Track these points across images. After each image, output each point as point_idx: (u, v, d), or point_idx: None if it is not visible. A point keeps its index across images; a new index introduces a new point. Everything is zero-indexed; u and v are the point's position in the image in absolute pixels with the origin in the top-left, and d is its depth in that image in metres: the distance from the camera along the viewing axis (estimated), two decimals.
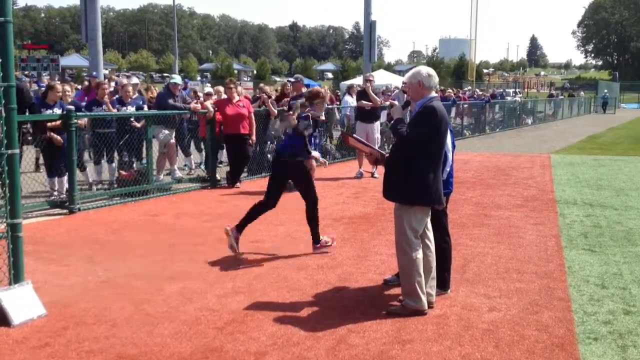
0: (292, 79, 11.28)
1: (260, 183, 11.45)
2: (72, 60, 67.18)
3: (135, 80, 12.71)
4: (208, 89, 15.98)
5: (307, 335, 4.43)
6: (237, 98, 11.09)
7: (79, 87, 18.34)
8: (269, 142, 13.03)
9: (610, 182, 12.10)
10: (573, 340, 4.39)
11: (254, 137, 11.35)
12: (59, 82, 11.55)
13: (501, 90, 53.67)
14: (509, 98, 38.09)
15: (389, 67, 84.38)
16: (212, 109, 11.08)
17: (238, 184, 11.13)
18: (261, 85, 16.00)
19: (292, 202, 9.72)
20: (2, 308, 4.58)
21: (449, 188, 5.28)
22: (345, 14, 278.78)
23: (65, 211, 8.64)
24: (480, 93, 32.62)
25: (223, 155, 13.71)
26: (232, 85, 11.20)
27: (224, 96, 11.66)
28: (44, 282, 5.53)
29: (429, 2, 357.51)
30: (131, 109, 10.67)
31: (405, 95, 5.76)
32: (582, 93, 55.35)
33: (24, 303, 4.70)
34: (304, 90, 11.02)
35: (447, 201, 5.40)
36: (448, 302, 5.14)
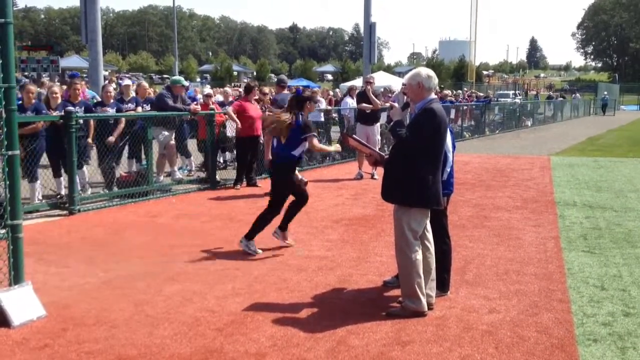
0: (275, 81, 11.46)
1: (260, 184, 11.46)
2: (72, 61, 67.12)
3: (127, 81, 12.66)
4: (207, 89, 16.02)
5: (306, 337, 4.44)
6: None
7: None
8: None
9: (610, 183, 12.11)
10: (572, 342, 4.40)
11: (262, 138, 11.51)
12: (31, 82, 11.29)
13: (499, 92, 53.78)
14: (508, 100, 38.16)
15: (388, 69, 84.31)
16: (239, 122, 10.94)
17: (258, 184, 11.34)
18: (260, 87, 16.01)
19: None
20: (2, 309, 4.58)
21: (449, 188, 5.28)
22: (345, 16, 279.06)
23: (65, 212, 8.65)
24: (481, 95, 32.73)
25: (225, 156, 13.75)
26: (254, 86, 11.44)
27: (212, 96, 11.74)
28: (44, 283, 5.53)
29: (428, 3, 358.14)
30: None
31: (405, 97, 5.77)
32: (578, 95, 55.35)
33: (24, 304, 4.70)
34: (285, 92, 11.04)
35: (448, 202, 5.40)
36: (448, 304, 5.14)
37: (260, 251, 6.70)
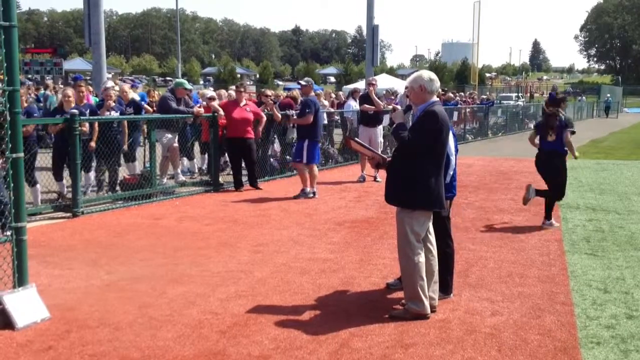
0: (302, 82, 11.11)
1: (264, 186, 11.48)
2: (75, 64, 67.28)
3: (110, 83, 12.58)
4: (210, 92, 16.03)
5: (309, 339, 4.44)
6: (244, 102, 11.12)
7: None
8: (271, 146, 13.05)
9: (613, 186, 12.10)
10: (575, 345, 4.40)
11: (259, 132, 11.47)
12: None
13: (502, 94, 53.73)
14: (511, 102, 38.10)
15: (391, 71, 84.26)
16: (221, 111, 11.06)
17: (260, 187, 11.23)
18: (262, 90, 16.04)
19: (295, 206, 9.75)
20: (6, 311, 4.60)
21: (452, 192, 5.29)
22: (347, 18, 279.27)
23: (68, 214, 8.67)
24: (484, 97, 32.77)
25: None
26: (242, 89, 11.31)
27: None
28: (48, 285, 5.55)
29: (431, 6, 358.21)
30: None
31: (407, 99, 5.78)
32: (583, 98, 55.27)
33: (27, 306, 4.71)
34: (312, 94, 10.92)
35: (450, 205, 5.41)
36: (451, 306, 5.14)
37: (557, 224, 8.31)
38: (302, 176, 10.57)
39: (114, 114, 10.33)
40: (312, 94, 10.89)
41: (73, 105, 9.47)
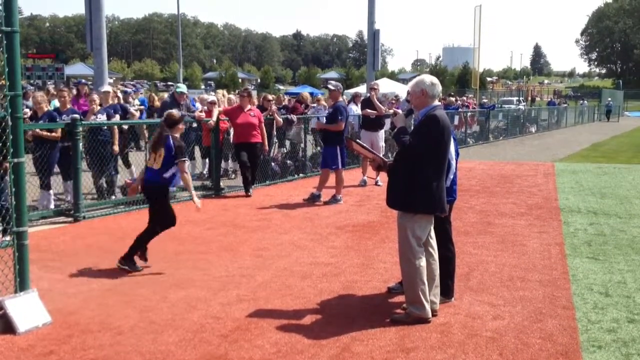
0: (331, 87, 10.92)
1: (265, 191, 11.49)
2: (77, 69, 67.37)
3: (107, 88, 12.52)
4: (212, 97, 16.06)
5: (311, 343, 4.45)
6: (248, 107, 11.08)
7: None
8: (273, 150, 13.06)
9: (614, 190, 12.09)
10: (577, 349, 4.39)
11: (266, 147, 11.34)
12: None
13: (503, 98, 53.73)
14: (512, 106, 38.08)
15: (392, 76, 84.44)
16: (214, 119, 11.04)
17: (250, 192, 11.07)
18: (265, 94, 16.04)
19: (296, 210, 9.76)
20: (7, 316, 4.61)
21: (452, 196, 5.29)
22: (348, 23, 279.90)
23: (70, 219, 8.67)
24: (485, 101, 32.80)
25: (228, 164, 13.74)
26: (245, 94, 11.26)
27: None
28: (49, 289, 5.55)
29: (432, 10, 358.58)
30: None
31: (407, 104, 5.79)
32: (585, 102, 55.35)
33: (29, 311, 4.72)
34: (341, 99, 10.84)
35: (451, 209, 5.41)
36: (452, 310, 5.14)
37: None
38: (338, 182, 10.48)
39: (101, 117, 10.25)
40: (341, 99, 10.77)
41: (45, 110, 9.41)
